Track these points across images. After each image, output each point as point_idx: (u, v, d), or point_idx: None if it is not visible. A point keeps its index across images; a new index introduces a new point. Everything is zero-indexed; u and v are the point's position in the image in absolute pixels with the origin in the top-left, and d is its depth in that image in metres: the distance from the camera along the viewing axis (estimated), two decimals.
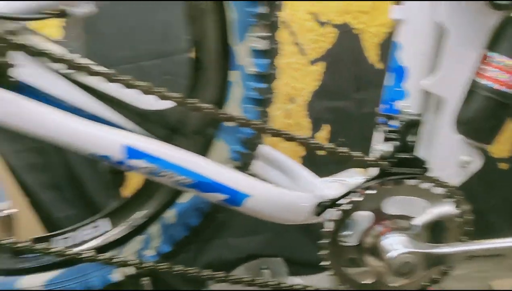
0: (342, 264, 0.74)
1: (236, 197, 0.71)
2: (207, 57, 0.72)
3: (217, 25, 0.70)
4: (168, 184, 0.70)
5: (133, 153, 0.66)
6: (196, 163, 0.69)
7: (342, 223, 0.72)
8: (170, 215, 0.82)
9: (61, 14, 0.54)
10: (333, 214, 0.72)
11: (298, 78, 1.42)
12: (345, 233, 0.74)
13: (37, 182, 1.50)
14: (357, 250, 0.74)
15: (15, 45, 0.60)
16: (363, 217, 0.73)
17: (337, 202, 0.71)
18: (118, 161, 0.66)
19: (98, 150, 0.64)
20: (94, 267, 0.84)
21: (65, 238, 0.85)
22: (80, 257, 0.75)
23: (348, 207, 0.71)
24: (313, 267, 1.06)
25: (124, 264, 0.77)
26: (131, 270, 0.83)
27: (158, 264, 0.77)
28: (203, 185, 0.69)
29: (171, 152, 0.68)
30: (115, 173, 1.01)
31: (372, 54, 1.32)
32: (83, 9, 0.54)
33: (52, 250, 0.75)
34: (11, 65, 0.64)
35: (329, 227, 0.72)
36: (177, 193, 0.81)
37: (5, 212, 0.79)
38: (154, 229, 0.83)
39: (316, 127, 1.40)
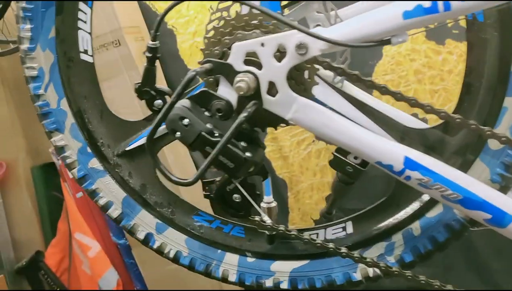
0: None
1: (501, 218, 0.73)
2: (482, 83, 0.77)
3: (499, 52, 0.74)
4: (435, 197, 0.76)
5: (411, 164, 0.74)
6: (467, 180, 0.74)
7: None
8: (415, 226, 0.88)
9: (385, 42, 0.65)
10: None
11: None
12: None
13: None
14: None
15: (328, 66, 0.73)
16: None
17: None
18: (397, 170, 0.74)
19: (383, 158, 0.74)
20: (339, 263, 0.94)
21: (315, 233, 0.97)
22: (340, 252, 0.85)
23: None
24: None
25: (374, 264, 0.85)
26: (371, 272, 0.91)
27: (404, 271, 0.84)
28: (470, 201, 0.74)
29: (444, 167, 0.74)
30: None
31: None
32: (403, 38, 0.64)
33: (317, 241, 0.87)
34: (316, 83, 0.77)
35: None
36: (425, 206, 0.87)
37: (272, 204, 0.92)
38: (398, 237, 0.90)
39: None
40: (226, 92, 0.74)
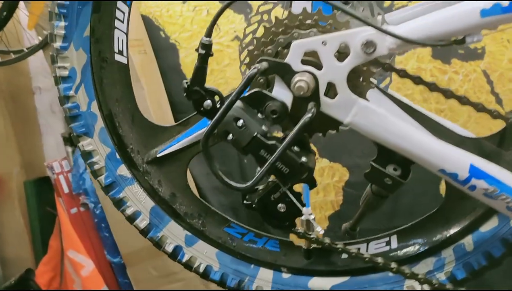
0: None
1: None
2: None
3: None
4: (499, 208, 0.72)
5: (476, 172, 0.70)
6: None
7: None
8: (468, 241, 0.84)
9: (459, 42, 0.62)
10: None
11: (492, 129, 1.39)
12: None
13: (218, 202, 1.69)
14: None
15: (390, 67, 0.69)
16: None
17: None
18: (462, 179, 0.70)
19: (448, 166, 0.70)
20: (384, 280, 0.89)
21: (357, 247, 0.92)
22: (390, 267, 0.80)
23: None
24: None
25: (426, 281, 0.80)
26: (418, 289, 0.86)
27: (458, 288, 0.79)
28: None
29: (510, 177, 0.70)
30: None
31: None
32: (478, 38, 0.61)
33: (365, 255, 0.82)
34: (372, 87, 0.73)
35: None
36: (478, 220, 0.83)
37: (311, 216, 0.87)
38: (449, 253, 0.85)
39: None
40: (281, 93, 0.70)
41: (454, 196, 0.85)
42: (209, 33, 0.69)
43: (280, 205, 0.79)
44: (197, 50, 0.70)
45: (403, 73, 0.70)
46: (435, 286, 0.80)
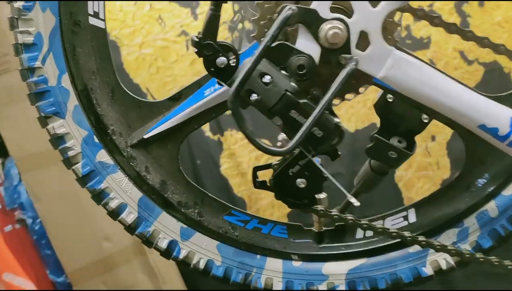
0: None
1: None
2: None
3: None
4: None
5: None
6: None
7: None
8: (491, 207, 0.79)
9: None
10: None
11: None
12: None
13: None
14: None
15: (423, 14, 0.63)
16: None
17: None
18: (503, 134, 0.65)
19: (488, 121, 0.64)
20: (404, 258, 0.82)
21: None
22: (419, 241, 0.74)
23: None
24: None
25: (457, 253, 0.75)
26: (443, 264, 0.80)
27: (489, 257, 0.74)
28: None
29: None
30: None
31: None
32: None
33: (391, 231, 0.75)
34: (397, 40, 0.66)
35: None
36: (500, 184, 0.79)
37: (322, 195, 0.78)
38: (471, 222, 0.80)
39: (455, 167, 1.36)
40: (308, 45, 0.61)
41: (474, 160, 0.80)
42: None
43: (299, 180, 0.69)
44: None
45: (438, 21, 0.64)
46: (466, 257, 0.74)
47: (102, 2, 0.75)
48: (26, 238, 1.60)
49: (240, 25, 1.28)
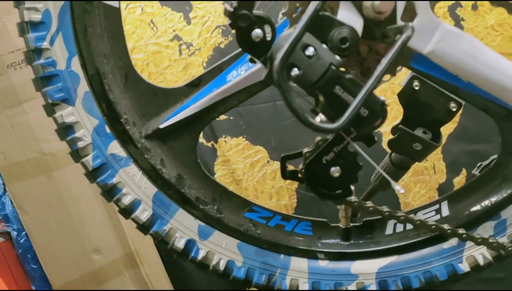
0: None
1: None
2: None
3: None
4: None
5: None
6: None
7: None
8: None
9: None
10: None
11: None
12: None
13: None
14: None
15: None
16: None
17: None
18: None
19: None
20: (438, 254, 0.77)
21: None
22: (460, 234, 0.69)
23: None
24: None
25: (499, 247, 0.70)
26: (481, 259, 0.76)
27: None
28: None
29: None
30: None
31: None
32: None
33: (431, 223, 0.70)
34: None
35: None
36: None
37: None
38: (509, 213, 0.76)
39: (451, 171, 1.35)
40: (350, 17, 0.56)
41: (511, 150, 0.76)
42: None
43: (333, 168, 0.64)
44: None
45: None
46: (508, 250, 0.70)
47: None
48: (10, 251, 1.51)
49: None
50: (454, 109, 0.72)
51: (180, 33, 1.38)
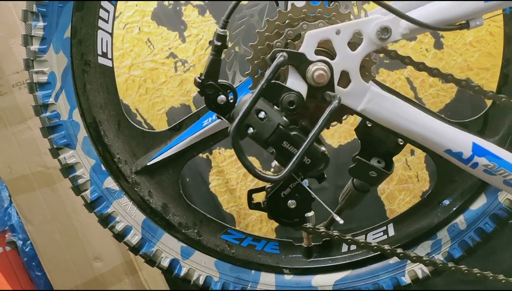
0: None
1: None
2: None
3: None
4: (496, 184, 0.78)
5: (478, 150, 0.75)
6: None
7: None
8: (461, 220, 0.88)
9: (464, 26, 0.66)
10: None
11: None
12: None
13: None
14: None
15: (395, 55, 0.73)
16: None
17: None
18: (466, 158, 0.74)
19: (453, 146, 0.74)
20: (385, 268, 0.91)
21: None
22: (397, 253, 0.82)
23: None
24: None
25: (431, 263, 0.84)
26: (420, 273, 0.89)
27: (459, 266, 0.83)
28: None
29: (506, 153, 0.76)
30: None
31: None
32: (480, 22, 0.66)
33: (372, 245, 0.83)
34: (374, 76, 0.75)
35: None
36: (468, 200, 0.88)
37: (310, 214, 0.86)
38: (443, 234, 0.89)
39: (434, 179, 1.45)
40: (297, 84, 0.70)
41: (445, 180, 0.90)
42: (224, 25, 0.67)
43: (290, 201, 0.77)
44: (211, 42, 0.67)
45: (408, 60, 0.74)
46: (439, 266, 0.83)
47: (110, 43, 0.82)
48: (16, 260, 1.58)
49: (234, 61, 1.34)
50: (401, 143, 0.86)
51: (175, 51, 1.45)
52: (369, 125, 0.84)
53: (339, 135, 1.43)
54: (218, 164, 1.50)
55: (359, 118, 0.84)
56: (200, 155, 1.48)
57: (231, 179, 1.54)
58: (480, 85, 0.79)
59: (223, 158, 1.49)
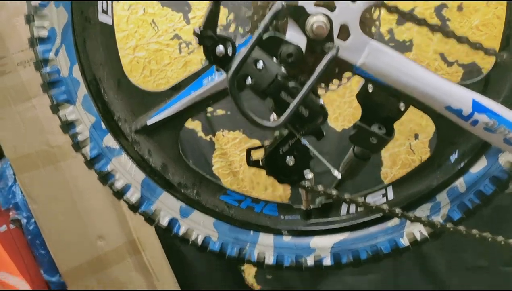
0: None
1: None
2: None
3: None
4: (496, 142, 0.77)
5: (478, 107, 0.74)
6: None
7: None
8: (460, 183, 0.88)
9: None
10: None
11: (423, 115, 1.52)
12: None
13: None
14: None
15: (396, 10, 0.72)
16: None
17: None
18: (466, 114, 0.74)
19: (453, 102, 0.73)
20: (383, 231, 0.91)
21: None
22: (396, 213, 0.82)
23: None
24: None
25: (429, 224, 0.84)
26: (418, 235, 0.89)
27: (457, 227, 0.83)
28: None
29: (507, 110, 0.76)
30: None
31: None
32: None
33: (372, 205, 0.83)
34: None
35: None
36: (468, 163, 0.88)
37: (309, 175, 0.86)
38: (443, 197, 0.89)
39: None
40: (296, 37, 0.69)
41: (445, 142, 0.89)
42: None
43: (288, 158, 0.77)
44: None
45: (409, 16, 0.73)
46: (438, 227, 0.83)
47: (111, 1, 0.82)
48: (20, 238, 1.60)
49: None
50: (403, 109, 0.85)
51: (180, 33, 1.45)
52: (370, 90, 0.84)
53: (343, 118, 1.43)
54: (221, 146, 1.51)
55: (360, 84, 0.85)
56: (203, 136, 1.50)
57: (234, 161, 1.54)
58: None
59: (227, 140, 1.49)
